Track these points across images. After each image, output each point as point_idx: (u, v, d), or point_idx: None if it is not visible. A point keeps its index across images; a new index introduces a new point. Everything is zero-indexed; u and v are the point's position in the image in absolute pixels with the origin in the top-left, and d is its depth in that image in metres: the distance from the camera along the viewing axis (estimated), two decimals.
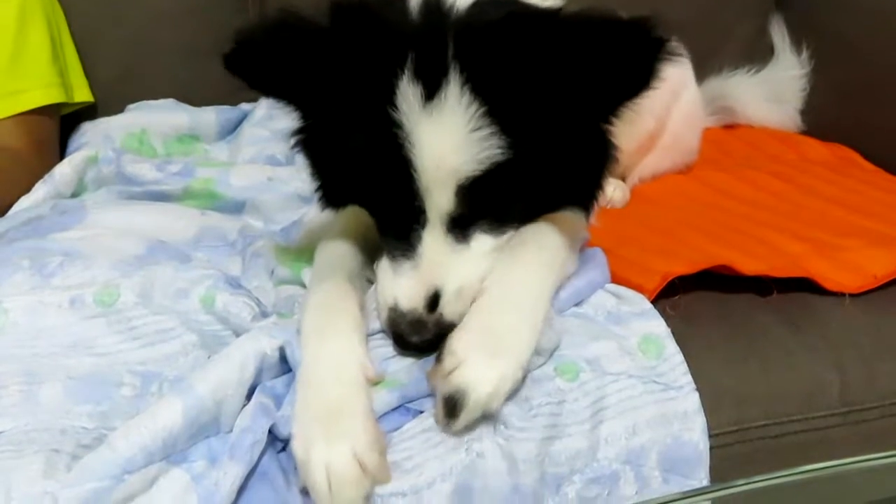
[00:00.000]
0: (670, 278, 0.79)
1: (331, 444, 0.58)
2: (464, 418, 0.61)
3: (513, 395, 0.64)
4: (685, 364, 0.71)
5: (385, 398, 0.64)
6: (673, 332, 0.73)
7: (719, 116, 1.45)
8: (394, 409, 0.65)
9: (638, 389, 0.69)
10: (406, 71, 0.62)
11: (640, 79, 0.63)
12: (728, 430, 0.73)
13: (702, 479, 0.69)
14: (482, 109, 0.62)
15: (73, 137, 1.16)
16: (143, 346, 0.69)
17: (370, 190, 0.67)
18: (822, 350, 0.78)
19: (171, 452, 0.59)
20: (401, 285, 0.66)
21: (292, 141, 0.71)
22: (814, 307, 0.81)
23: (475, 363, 0.61)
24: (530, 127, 0.63)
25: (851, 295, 0.82)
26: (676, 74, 1.24)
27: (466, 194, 0.64)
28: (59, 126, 1.15)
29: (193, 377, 0.62)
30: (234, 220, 0.97)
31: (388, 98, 0.62)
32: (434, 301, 0.65)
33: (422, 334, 0.65)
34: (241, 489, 0.59)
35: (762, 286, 0.83)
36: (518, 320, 0.65)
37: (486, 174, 0.63)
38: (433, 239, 0.65)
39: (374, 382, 0.65)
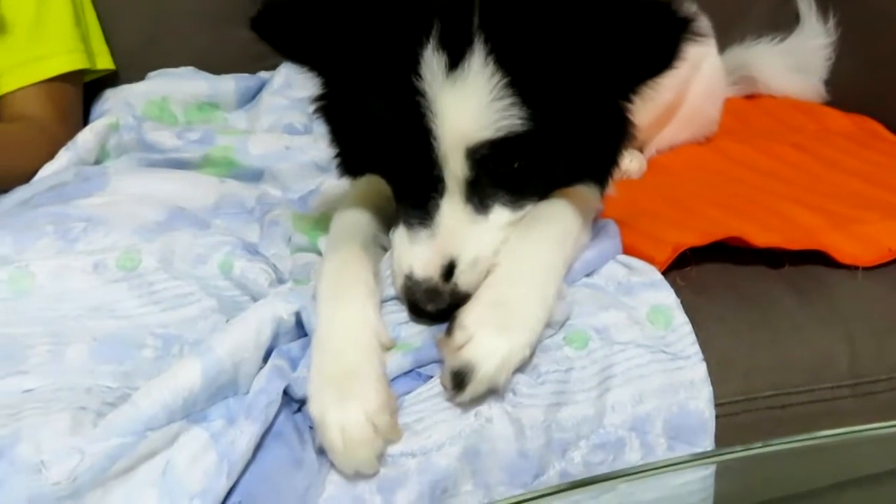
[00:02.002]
0: (681, 249, 0.79)
1: (344, 405, 0.60)
2: (470, 392, 0.62)
3: (521, 367, 0.65)
4: (693, 334, 0.72)
5: (398, 361, 0.66)
6: (683, 303, 0.74)
7: (741, 86, 1.43)
8: (406, 373, 0.66)
9: (646, 358, 0.70)
10: (431, 39, 0.62)
11: (662, 58, 0.63)
12: (735, 399, 0.74)
13: (706, 447, 0.70)
14: (504, 80, 0.62)
15: (96, 104, 1.18)
16: (163, 309, 0.71)
17: (390, 157, 0.68)
18: (831, 322, 0.78)
19: (192, 411, 0.61)
20: (417, 254, 0.67)
21: (312, 107, 0.72)
22: (825, 280, 0.81)
23: (484, 339, 0.62)
24: (551, 100, 0.64)
25: (864, 268, 0.82)
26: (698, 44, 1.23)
27: (485, 163, 0.65)
28: (82, 93, 1.17)
29: (212, 340, 0.64)
30: (252, 188, 0.98)
31: (412, 66, 0.63)
32: (449, 271, 0.66)
33: (436, 303, 0.66)
34: (258, 447, 0.61)
35: (775, 258, 0.83)
36: (529, 296, 0.66)
37: (505, 144, 0.64)
38: (451, 208, 0.66)
39: (388, 347, 0.67)
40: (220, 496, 0.58)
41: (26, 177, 0.99)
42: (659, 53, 0.63)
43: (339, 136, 0.72)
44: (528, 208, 0.70)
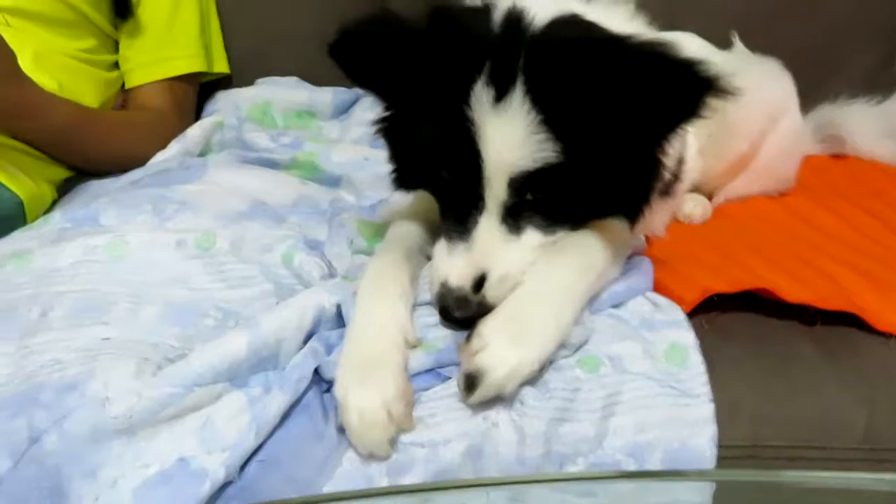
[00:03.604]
0: (709, 294, 0.82)
1: (364, 390, 0.68)
2: (479, 395, 0.68)
3: (531, 380, 0.71)
4: (706, 375, 0.75)
5: (421, 359, 0.73)
6: (704, 345, 0.77)
7: (828, 145, 1.41)
8: (427, 371, 0.73)
9: (654, 391, 0.73)
10: (483, 75, 0.70)
11: (682, 111, 0.68)
12: (741, 444, 0.75)
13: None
14: (540, 117, 0.69)
15: (208, 103, 1.32)
16: (228, 287, 0.80)
17: (439, 175, 0.76)
18: (853, 384, 0.78)
19: (235, 377, 0.70)
20: (453, 265, 0.74)
21: (375, 128, 0.81)
22: (855, 342, 0.82)
23: (497, 349, 0.68)
24: (581, 138, 0.70)
25: None
26: (777, 100, 1.24)
27: (521, 187, 0.72)
28: (197, 92, 1.31)
29: (262, 317, 0.73)
30: (329, 192, 1.08)
31: (465, 96, 0.70)
32: (480, 283, 0.73)
33: (464, 311, 0.73)
34: (286, 416, 0.69)
35: (809, 315, 0.84)
36: (545, 315, 0.72)
37: (538, 172, 0.71)
38: (488, 225, 0.73)
39: (413, 345, 0.74)
40: (248, 452, 0.66)
41: (144, 160, 1.12)
42: (679, 106, 0.68)
43: (397, 154, 0.81)
44: (558, 234, 0.75)
